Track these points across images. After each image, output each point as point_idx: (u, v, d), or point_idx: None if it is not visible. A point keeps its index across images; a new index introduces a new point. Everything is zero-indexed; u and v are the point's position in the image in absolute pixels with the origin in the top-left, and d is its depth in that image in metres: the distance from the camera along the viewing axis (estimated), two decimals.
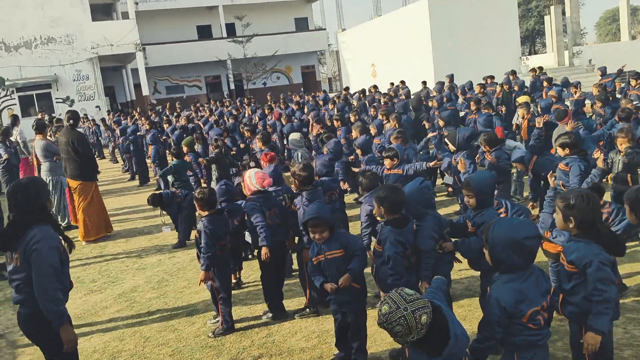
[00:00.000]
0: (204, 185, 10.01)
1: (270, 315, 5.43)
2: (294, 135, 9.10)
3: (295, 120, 12.87)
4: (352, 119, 11.43)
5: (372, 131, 9.35)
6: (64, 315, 3.50)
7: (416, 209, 4.22)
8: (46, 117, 20.00)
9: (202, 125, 14.95)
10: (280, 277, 5.58)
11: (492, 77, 17.05)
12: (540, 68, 17.47)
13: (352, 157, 8.96)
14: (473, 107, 11.41)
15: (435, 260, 4.14)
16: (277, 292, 5.51)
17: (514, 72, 16.89)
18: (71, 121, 8.81)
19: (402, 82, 18.67)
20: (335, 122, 11.12)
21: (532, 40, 45.70)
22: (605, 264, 3.11)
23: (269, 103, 19.44)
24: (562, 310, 3.31)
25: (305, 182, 5.24)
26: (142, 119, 16.80)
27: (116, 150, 18.45)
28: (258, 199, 5.29)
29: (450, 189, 9.56)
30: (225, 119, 16.02)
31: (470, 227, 4.31)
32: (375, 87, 19.28)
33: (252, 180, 5.32)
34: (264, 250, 5.12)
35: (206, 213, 5.17)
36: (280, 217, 5.44)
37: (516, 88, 15.04)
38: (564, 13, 28.14)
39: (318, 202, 4.30)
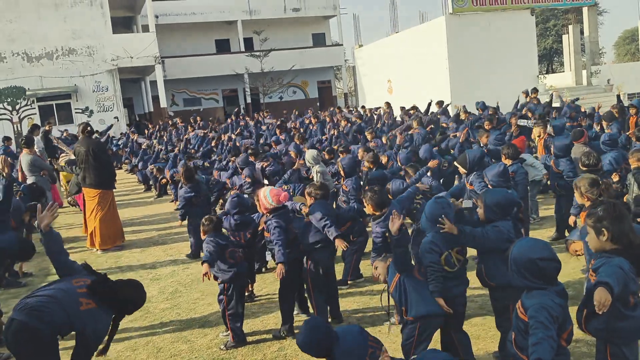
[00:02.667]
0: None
1: (283, 331, 5.42)
2: (311, 152, 8.92)
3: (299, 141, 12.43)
4: (368, 137, 11.43)
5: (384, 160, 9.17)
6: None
7: (425, 224, 4.22)
8: (62, 131, 20.22)
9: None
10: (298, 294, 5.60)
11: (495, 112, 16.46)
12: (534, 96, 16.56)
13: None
14: (488, 127, 11.34)
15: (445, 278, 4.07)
16: (293, 309, 5.50)
17: (535, 90, 16.48)
18: (89, 128, 8.95)
19: (415, 107, 18.22)
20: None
21: (549, 59, 45.54)
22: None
23: (280, 120, 19.42)
24: (586, 326, 3.24)
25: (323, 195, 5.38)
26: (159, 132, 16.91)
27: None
28: (280, 216, 5.25)
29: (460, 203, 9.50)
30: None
31: None
32: (388, 104, 19.12)
33: (267, 198, 5.27)
34: (279, 268, 5.04)
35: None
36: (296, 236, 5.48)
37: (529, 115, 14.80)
38: (582, 32, 28.03)
39: (306, 328, 3.41)
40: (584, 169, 6.23)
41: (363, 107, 22.12)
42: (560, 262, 3.04)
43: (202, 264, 5.00)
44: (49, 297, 3.63)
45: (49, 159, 14.45)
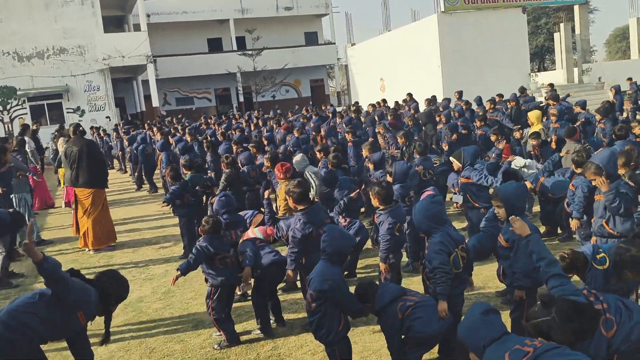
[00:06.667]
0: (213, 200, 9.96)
1: (258, 332, 5.43)
2: (297, 158, 8.75)
3: (298, 134, 12.47)
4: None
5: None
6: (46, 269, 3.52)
7: (425, 225, 4.20)
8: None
9: (208, 137, 14.95)
10: (271, 296, 5.58)
11: (500, 96, 16.88)
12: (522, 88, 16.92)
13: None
14: (478, 124, 11.43)
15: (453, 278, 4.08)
16: (267, 309, 5.51)
17: (523, 90, 16.73)
18: (81, 128, 8.91)
19: (409, 94, 18.46)
20: (346, 135, 11.11)
21: (541, 57, 45.65)
22: None
23: (276, 117, 19.45)
24: None
25: (300, 199, 5.13)
26: (154, 129, 16.76)
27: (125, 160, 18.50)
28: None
29: (456, 205, 9.52)
30: (232, 131, 16.00)
31: (504, 243, 4.27)
32: (384, 101, 19.24)
33: (255, 232, 5.64)
34: (246, 270, 5.22)
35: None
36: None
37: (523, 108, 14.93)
38: (573, 30, 28.13)
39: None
40: (577, 170, 6.12)
41: (355, 103, 22.03)
42: None
43: (176, 270, 5.05)
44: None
45: (40, 157, 14.39)
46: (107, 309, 3.96)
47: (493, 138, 8.39)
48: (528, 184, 7.28)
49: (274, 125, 15.56)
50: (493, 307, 3.02)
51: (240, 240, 5.63)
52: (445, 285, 3.98)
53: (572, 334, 2.77)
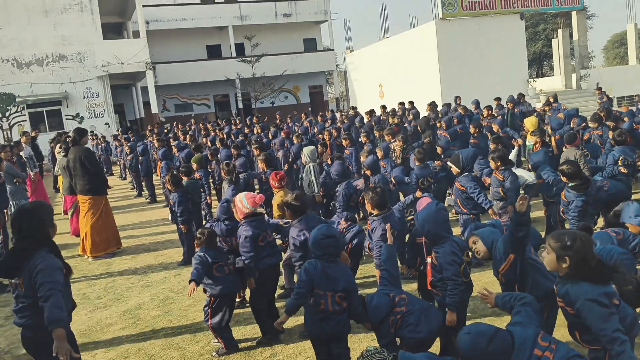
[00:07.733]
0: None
1: (259, 338, 5.41)
2: (309, 148, 8.98)
3: (298, 141, 12.57)
4: (362, 140, 11.45)
5: (379, 154, 9.24)
6: (64, 321, 3.49)
7: (434, 233, 4.18)
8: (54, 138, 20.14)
9: (210, 144, 14.95)
10: (268, 304, 5.54)
11: (498, 99, 16.98)
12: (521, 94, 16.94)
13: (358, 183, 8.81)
14: (472, 130, 11.37)
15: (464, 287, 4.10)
16: (267, 314, 5.47)
17: (521, 96, 16.75)
18: (69, 139, 8.94)
19: (411, 102, 18.50)
20: (343, 141, 11.14)
21: (539, 62, 45.75)
22: (594, 300, 2.95)
23: (277, 121, 19.54)
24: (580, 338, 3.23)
25: (298, 212, 5.15)
26: (154, 135, 16.74)
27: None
28: (251, 223, 5.27)
29: (454, 210, 9.53)
30: (233, 137, 16.04)
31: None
32: (384, 107, 19.24)
33: (243, 202, 5.32)
34: (249, 282, 5.27)
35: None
36: (274, 240, 5.53)
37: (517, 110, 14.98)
38: (571, 36, 28.24)
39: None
40: (566, 180, 5.95)
41: (353, 107, 22.06)
42: None
43: (189, 282, 5.00)
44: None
45: (39, 163, 14.40)
46: (49, 239, 3.84)
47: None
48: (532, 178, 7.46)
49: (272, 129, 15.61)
50: (495, 330, 2.83)
51: (236, 215, 5.46)
52: (457, 297, 4.00)
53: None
